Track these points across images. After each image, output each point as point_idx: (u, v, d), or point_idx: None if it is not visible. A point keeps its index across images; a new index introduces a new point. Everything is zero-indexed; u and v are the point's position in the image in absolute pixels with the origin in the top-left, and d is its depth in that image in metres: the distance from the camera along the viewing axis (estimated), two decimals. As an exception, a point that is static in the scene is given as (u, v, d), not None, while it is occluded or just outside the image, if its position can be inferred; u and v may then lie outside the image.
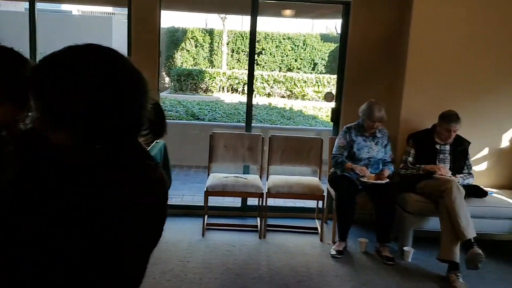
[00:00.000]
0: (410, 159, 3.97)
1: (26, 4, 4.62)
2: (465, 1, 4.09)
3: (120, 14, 13.20)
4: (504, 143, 4.27)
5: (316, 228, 4.30)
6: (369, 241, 3.91)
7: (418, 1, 4.06)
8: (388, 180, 3.79)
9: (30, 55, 4.38)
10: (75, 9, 14.73)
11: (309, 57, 13.80)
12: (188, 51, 14.00)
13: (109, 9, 14.82)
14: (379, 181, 3.75)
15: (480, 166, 4.26)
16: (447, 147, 3.91)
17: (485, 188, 3.92)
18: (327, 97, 4.85)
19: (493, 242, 4.11)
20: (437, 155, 3.90)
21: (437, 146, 3.91)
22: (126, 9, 4.33)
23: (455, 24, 4.11)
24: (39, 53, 4.47)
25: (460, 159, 3.91)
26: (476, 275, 3.40)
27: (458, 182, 3.68)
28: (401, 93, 4.20)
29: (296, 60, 13.90)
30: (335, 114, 4.68)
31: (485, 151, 4.27)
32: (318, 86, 12.69)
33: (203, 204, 4.11)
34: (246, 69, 13.51)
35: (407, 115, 4.21)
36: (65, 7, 14.65)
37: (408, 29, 4.12)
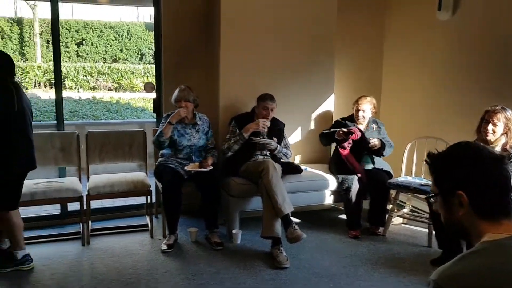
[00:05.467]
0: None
1: None
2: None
3: None
4: (313, 123, 4.66)
5: (146, 225, 4.13)
6: (200, 229, 3.90)
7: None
8: (211, 167, 3.81)
9: None
10: None
11: (135, 47, 13.28)
12: (-8, 43, 12.23)
13: None
14: (202, 169, 3.75)
15: (295, 145, 4.58)
16: (266, 129, 4.08)
17: (301, 165, 4.23)
18: (147, 87, 4.67)
19: (309, 213, 4.50)
20: (258, 137, 4.04)
21: (257, 128, 4.04)
22: None
23: (262, 11, 4.29)
24: None
25: (278, 138, 4.11)
26: (296, 246, 3.64)
27: (276, 148, 3.94)
28: (218, 80, 4.25)
29: (121, 51, 13.25)
30: (157, 105, 4.55)
31: (298, 131, 4.60)
32: (147, 76, 12.31)
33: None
34: (65, 61, 12.40)
35: (225, 100, 4.28)
36: None
37: (218, 14, 4.17)
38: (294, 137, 4.57)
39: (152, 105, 4.69)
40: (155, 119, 4.72)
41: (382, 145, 4.08)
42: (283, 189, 3.61)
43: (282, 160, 4.13)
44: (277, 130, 4.13)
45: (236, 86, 4.28)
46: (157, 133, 3.88)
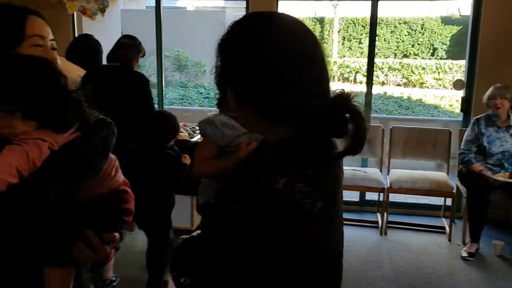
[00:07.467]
0: None
1: (147, 2, 4.88)
2: None
3: (232, 8, 13.49)
4: None
5: (442, 227, 4.01)
6: (505, 243, 3.55)
7: None
8: None
9: (156, 52, 4.69)
10: (190, 4, 15.31)
11: (428, 42, 12.89)
12: (298, 41, 13.95)
13: (221, 3, 15.22)
14: (511, 180, 3.35)
15: None
16: None
17: None
18: (456, 85, 4.47)
19: None
20: None
21: None
22: (238, 2, 4.42)
23: None
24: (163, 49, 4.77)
25: None
26: None
27: None
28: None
29: (413, 46, 13.06)
30: (465, 104, 4.31)
31: None
32: (439, 73, 11.77)
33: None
34: (357, 57, 13.13)
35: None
36: (180, 3, 15.27)
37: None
38: None
39: (460, 104, 4.47)
40: (454, 118, 4.50)
41: None
42: None
43: None
44: None
45: None
46: (464, 160, 3.69)
